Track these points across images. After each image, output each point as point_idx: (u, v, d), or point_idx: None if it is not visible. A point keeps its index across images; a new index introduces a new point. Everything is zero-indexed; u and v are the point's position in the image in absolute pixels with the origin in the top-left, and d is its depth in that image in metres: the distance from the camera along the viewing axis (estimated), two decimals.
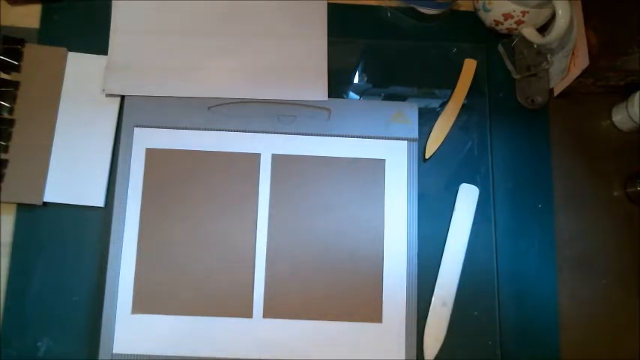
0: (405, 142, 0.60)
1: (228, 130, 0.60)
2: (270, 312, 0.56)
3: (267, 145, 0.60)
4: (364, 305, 0.56)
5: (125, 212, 0.57)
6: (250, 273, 0.56)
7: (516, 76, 0.64)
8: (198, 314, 0.55)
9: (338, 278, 0.57)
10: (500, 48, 0.65)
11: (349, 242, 0.58)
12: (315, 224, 0.58)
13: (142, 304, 0.55)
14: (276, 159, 0.59)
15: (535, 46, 0.63)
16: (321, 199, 0.59)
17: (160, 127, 0.59)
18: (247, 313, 0.56)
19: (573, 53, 0.60)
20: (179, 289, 0.56)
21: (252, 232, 0.57)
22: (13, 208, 0.58)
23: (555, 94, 0.64)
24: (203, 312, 0.55)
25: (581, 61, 0.59)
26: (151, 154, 0.59)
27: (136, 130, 0.59)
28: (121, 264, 0.56)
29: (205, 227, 0.57)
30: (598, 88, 0.63)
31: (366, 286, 0.57)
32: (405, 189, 0.59)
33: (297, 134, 0.60)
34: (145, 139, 0.59)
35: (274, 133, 0.60)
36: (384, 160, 0.60)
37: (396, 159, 0.60)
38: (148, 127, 0.59)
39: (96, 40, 0.61)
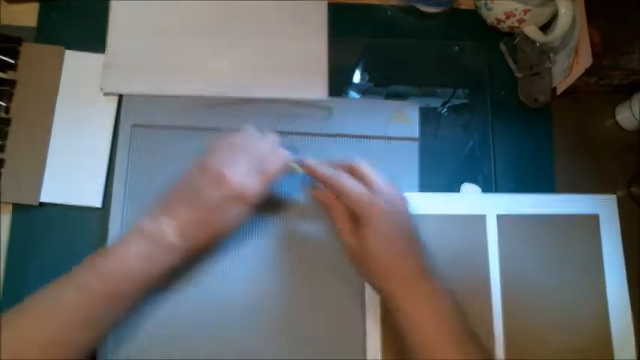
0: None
1: (228, 130, 0.59)
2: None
3: None
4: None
5: (123, 213, 0.56)
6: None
7: (519, 75, 0.64)
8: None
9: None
10: (502, 46, 0.64)
11: None
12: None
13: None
14: None
15: (537, 44, 0.63)
16: None
17: (158, 127, 0.59)
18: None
19: (576, 52, 0.60)
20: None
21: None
22: (9, 209, 0.57)
23: (558, 92, 0.64)
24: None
25: (584, 60, 0.58)
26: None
27: (134, 129, 0.58)
28: None
29: None
30: (601, 87, 0.63)
31: None
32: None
33: (297, 134, 0.59)
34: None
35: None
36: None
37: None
38: (146, 127, 0.58)
39: (94, 39, 0.61)
